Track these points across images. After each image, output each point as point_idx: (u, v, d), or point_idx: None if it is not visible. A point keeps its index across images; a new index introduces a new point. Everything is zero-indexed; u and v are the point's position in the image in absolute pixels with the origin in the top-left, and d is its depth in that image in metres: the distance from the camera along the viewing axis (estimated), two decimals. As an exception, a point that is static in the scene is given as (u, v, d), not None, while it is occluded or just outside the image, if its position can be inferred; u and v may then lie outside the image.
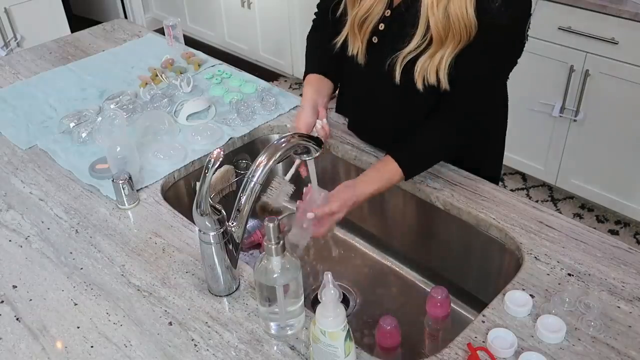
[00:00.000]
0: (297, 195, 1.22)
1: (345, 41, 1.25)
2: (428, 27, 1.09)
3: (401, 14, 1.15)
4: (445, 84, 1.13)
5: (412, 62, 1.14)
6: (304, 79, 1.37)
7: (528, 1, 1.11)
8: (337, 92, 1.42)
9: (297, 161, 1.22)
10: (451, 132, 1.21)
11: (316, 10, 1.41)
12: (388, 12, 1.18)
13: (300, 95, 1.46)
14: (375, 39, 1.21)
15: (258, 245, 1.44)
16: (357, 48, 1.23)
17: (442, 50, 1.10)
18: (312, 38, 1.43)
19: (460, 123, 1.20)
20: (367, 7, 1.18)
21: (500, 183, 1.52)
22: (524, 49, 1.16)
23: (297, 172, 1.26)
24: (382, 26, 1.19)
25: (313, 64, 1.38)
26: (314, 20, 1.43)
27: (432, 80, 1.13)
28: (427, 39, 1.11)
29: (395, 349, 1.18)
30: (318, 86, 1.33)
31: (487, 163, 1.39)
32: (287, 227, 1.54)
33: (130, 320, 1.01)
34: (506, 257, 1.18)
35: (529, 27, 1.14)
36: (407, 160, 1.19)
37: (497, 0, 1.05)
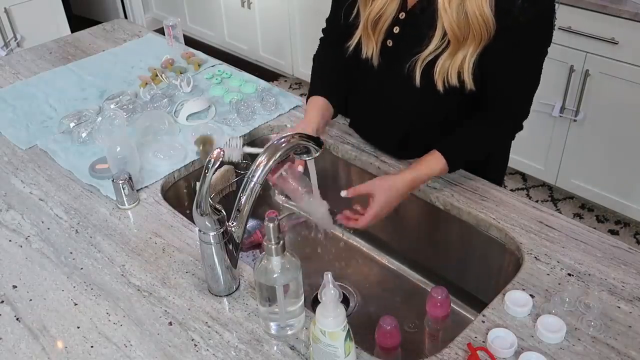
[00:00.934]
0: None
1: (358, 45, 1.24)
2: (445, 31, 1.09)
3: (416, 16, 1.15)
4: (470, 84, 1.13)
5: (430, 64, 1.14)
6: (307, 99, 1.36)
7: None
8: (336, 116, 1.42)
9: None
10: (497, 129, 1.23)
11: (325, 26, 1.39)
12: (403, 15, 1.17)
13: (301, 95, 1.46)
14: (390, 42, 1.20)
15: (258, 245, 1.44)
16: (371, 50, 1.22)
17: (462, 50, 1.10)
18: (319, 56, 1.41)
19: (504, 120, 1.22)
20: (379, 6, 1.17)
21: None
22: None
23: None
24: (396, 29, 1.18)
25: (319, 86, 1.36)
26: (321, 39, 1.42)
27: (454, 81, 1.13)
28: (446, 40, 1.10)
29: (395, 349, 1.18)
30: (322, 110, 1.31)
31: (492, 167, 1.39)
32: (287, 227, 1.55)
33: (130, 320, 1.01)
34: (506, 257, 1.18)
35: (555, 17, 1.14)
36: (453, 155, 1.20)
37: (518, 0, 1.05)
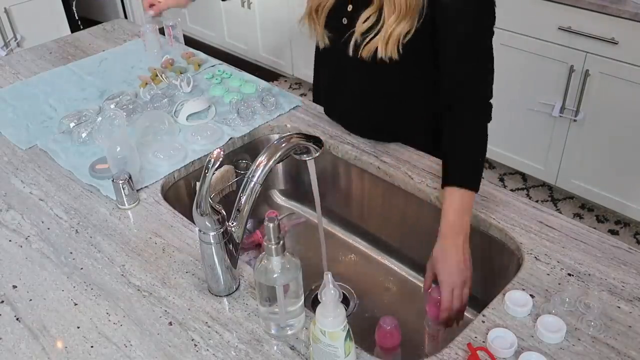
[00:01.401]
0: (295, 195, 1.22)
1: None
2: (382, 5, 1.15)
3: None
4: (387, 54, 1.17)
5: (368, 36, 1.20)
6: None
7: None
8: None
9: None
10: (473, 123, 1.19)
11: None
12: (350, 7, 1.24)
13: (301, 95, 1.46)
14: (345, 20, 1.25)
15: (258, 246, 1.44)
16: (318, 32, 1.30)
17: (392, 23, 1.15)
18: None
19: (474, 109, 1.19)
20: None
21: (500, 183, 1.52)
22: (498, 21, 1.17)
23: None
24: (350, 7, 1.24)
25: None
26: None
27: (386, 53, 1.18)
28: (383, 14, 1.16)
29: (395, 349, 1.18)
30: None
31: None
32: (288, 227, 1.55)
33: (130, 320, 1.01)
34: (506, 257, 1.18)
35: None
36: (466, 178, 1.14)
37: None
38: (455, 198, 1.13)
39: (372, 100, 1.34)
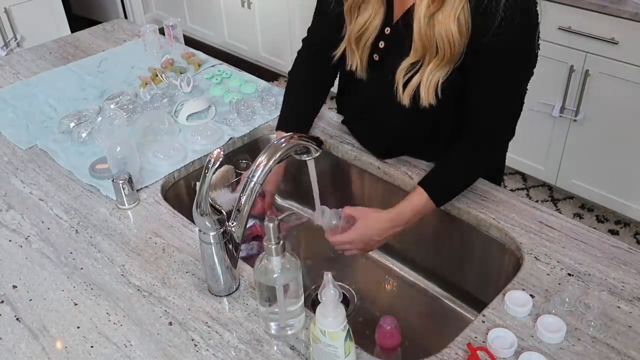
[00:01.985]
0: (295, 195, 1.22)
1: (343, 56, 1.24)
2: (425, 52, 1.09)
3: (400, 31, 1.15)
4: (426, 101, 1.11)
5: (408, 79, 1.13)
6: (277, 127, 1.36)
7: (532, 15, 1.06)
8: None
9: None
10: (478, 156, 1.19)
11: (306, 35, 1.39)
12: (388, 30, 1.17)
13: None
14: (376, 57, 1.20)
15: (256, 237, 1.44)
16: (355, 64, 1.22)
17: (430, 67, 1.09)
18: (295, 74, 1.40)
19: (484, 146, 1.18)
20: (361, 22, 1.17)
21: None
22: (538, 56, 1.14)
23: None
24: (382, 44, 1.19)
25: (288, 118, 1.36)
26: (299, 51, 1.40)
27: (420, 97, 1.12)
28: (418, 55, 1.10)
29: (395, 349, 1.18)
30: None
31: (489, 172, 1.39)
32: (288, 228, 1.55)
33: (130, 320, 1.01)
34: (506, 257, 1.18)
35: (539, 37, 1.10)
36: (439, 193, 1.17)
37: (495, 19, 1.01)
38: (421, 202, 1.16)
39: (400, 136, 1.30)
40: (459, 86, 1.12)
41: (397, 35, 1.16)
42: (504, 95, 1.14)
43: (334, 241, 1.18)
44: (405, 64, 1.12)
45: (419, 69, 1.11)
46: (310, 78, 1.38)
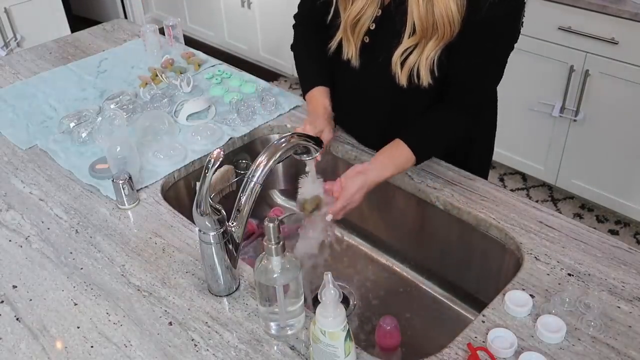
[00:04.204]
0: (295, 195, 1.22)
1: (339, 45, 1.25)
2: (414, 26, 1.10)
3: (391, 12, 1.16)
4: (427, 79, 1.14)
5: (403, 60, 1.15)
6: (305, 93, 1.35)
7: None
8: None
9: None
10: (459, 117, 1.22)
11: (297, 11, 1.39)
12: (379, 12, 1.18)
13: (301, 95, 1.45)
14: (366, 39, 1.21)
15: (251, 235, 1.44)
16: (351, 51, 1.23)
17: (428, 46, 1.11)
18: (300, 46, 1.41)
19: (466, 108, 1.21)
20: (357, 9, 1.18)
21: (500, 183, 1.52)
22: (521, 37, 1.17)
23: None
24: (373, 25, 1.19)
25: (317, 76, 1.35)
26: (294, 26, 1.42)
27: (420, 79, 1.14)
28: (416, 38, 1.11)
29: (395, 349, 1.18)
30: (329, 98, 1.32)
31: (476, 154, 1.40)
32: (287, 227, 1.55)
33: (130, 320, 1.01)
34: (506, 257, 1.18)
35: (524, 15, 1.14)
36: (419, 145, 1.20)
37: None
38: (402, 157, 1.20)
39: (393, 117, 1.30)
40: (446, 61, 1.14)
41: (388, 17, 1.17)
42: (490, 66, 1.17)
43: (337, 210, 1.17)
44: (403, 46, 1.13)
45: (414, 49, 1.13)
46: (314, 48, 1.37)
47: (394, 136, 1.24)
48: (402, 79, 1.16)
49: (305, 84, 1.36)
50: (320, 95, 1.32)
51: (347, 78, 1.30)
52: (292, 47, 1.43)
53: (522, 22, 1.15)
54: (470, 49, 1.12)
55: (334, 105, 1.37)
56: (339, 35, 1.23)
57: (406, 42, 1.13)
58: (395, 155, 1.20)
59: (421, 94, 1.18)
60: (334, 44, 1.25)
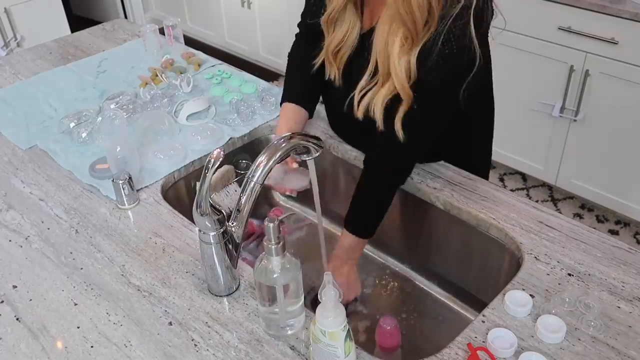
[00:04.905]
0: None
1: (322, 65, 1.26)
2: (376, 66, 1.11)
3: (364, 43, 1.16)
4: (379, 120, 1.14)
5: (362, 96, 1.15)
6: (281, 104, 1.36)
7: (459, 61, 1.07)
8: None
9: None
10: (381, 184, 1.23)
11: (300, 19, 1.39)
12: (356, 42, 1.19)
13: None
14: (345, 64, 1.22)
15: (251, 235, 1.44)
16: (333, 74, 1.24)
17: (383, 88, 1.11)
18: (293, 55, 1.41)
19: (391, 169, 1.22)
20: (338, 39, 1.19)
21: (500, 183, 1.52)
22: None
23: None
24: (351, 54, 1.20)
25: (291, 91, 1.36)
26: (297, 35, 1.42)
27: (375, 115, 1.14)
28: (376, 77, 1.12)
29: (395, 349, 1.18)
30: (295, 119, 1.32)
31: (475, 154, 1.40)
32: (287, 228, 1.55)
33: (130, 320, 1.01)
34: (506, 257, 1.18)
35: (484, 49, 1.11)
36: (359, 228, 1.23)
37: (434, 56, 1.04)
38: (349, 239, 1.23)
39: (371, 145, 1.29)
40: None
41: (361, 47, 1.18)
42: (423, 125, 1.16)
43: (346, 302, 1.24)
44: (363, 81, 1.14)
45: (373, 87, 1.13)
46: (301, 63, 1.37)
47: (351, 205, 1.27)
48: (359, 113, 1.16)
49: (282, 96, 1.38)
50: (282, 116, 1.34)
51: (333, 93, 1.30)
52: (289, 55, 1.43)
53: (484, 54, 1.10)
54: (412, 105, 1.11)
55: (329, 118, 1.41)
56: (321, 56, 1.25)
57: (365, 80, 1.14)
58: (347, 246, 1.23)
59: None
60: (317, 63, 1.27)
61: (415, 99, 1.09)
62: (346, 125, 1.36)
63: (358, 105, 1.16)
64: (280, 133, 1.28)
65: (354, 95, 1.17)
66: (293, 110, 1.33)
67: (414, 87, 1.08)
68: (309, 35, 1.31)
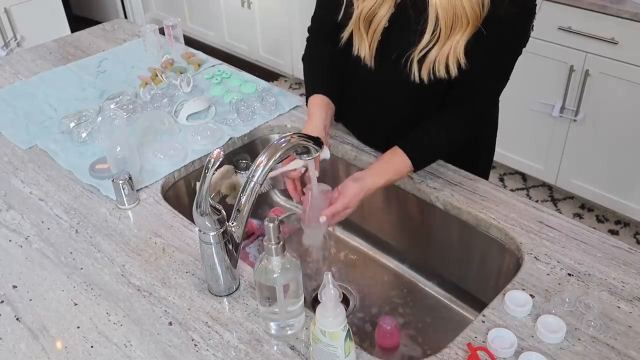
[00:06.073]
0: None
1: (349, 39, 1.22)
2: (437, 21, 1.08)
3: (406, 10, 1.14)
4: (454, 71, 1.12)
5: (420, 58, 1.13)
6: (307, 99, 1.33)
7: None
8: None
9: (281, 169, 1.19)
10: (459, 124, 1.22)
11: (310, 24, 1.38)
12: (392, 9, 1.16)
13: (301, 95, 1.45)
14: (380, 37, 1.18)
15: (251, 235, 1.44)
16: (363, 49, 1.20)
17: (451, 40, 1.09)
18: (311, 56, 1.38)
19: (468, 115, 1.21)
20: (370, 4, 1.15)
21: (500, 183, 1.52)
22: (528, 41, 1.17)
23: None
24: (386, 23, 1.16)
25: (318, 84, 1.33)
26: (308, 39, 1.40)
27: (441, 72, 1.12)
28: (437, 33, 1.10)
29: (395, 349, 1.18)
30: (326, 108, 1.28)
31: (478, 155, 1.40)
32: (287, 227, 1.55)
33: (130, 320, 1.01)
34: (506, 257, 1.18)
35: (535, 18, 1.14)
36: (416, 152, 1.20)
37: None
38: (399, 164, 1.20)
39: (404, 116, 1.28)
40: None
41: (403, 13, 1.14)
42: (497, 69, 1.18)
43: (332, 212, 1.14)
44: (424, 41, 1.11)
45: (435, 43, 1.11)
46: (324, 61, 1.35)
47: (402, 136, 1.23)
48: (424, 74, 1.14)
49: (307, 90, 1.35)
50: (314, 106, 1.29)
51: (359, 76, 1.28)
52: (303, 59, 1.40)
53: (533, 27, 1.15)
54: (485, 47, 1.11)
55: (343, 101, 1.35)
56: (349, 28, 1.20)
57: (428, 37, 1.11)
58: (392, 163, 1.20)
59: (434, 94, 1.19)
60: (345, 36, 1.22)
61: (486, 30, 1.08)
62: (370, 103, 1.32)
63: (420, 68, 1.14)
64: (311, 123, 1.25)
65: (407, 61, 1.14)
66: (324, 102, 1.29)
67: (485, 24, 1.08)
68: (323, 35, 1.30)
